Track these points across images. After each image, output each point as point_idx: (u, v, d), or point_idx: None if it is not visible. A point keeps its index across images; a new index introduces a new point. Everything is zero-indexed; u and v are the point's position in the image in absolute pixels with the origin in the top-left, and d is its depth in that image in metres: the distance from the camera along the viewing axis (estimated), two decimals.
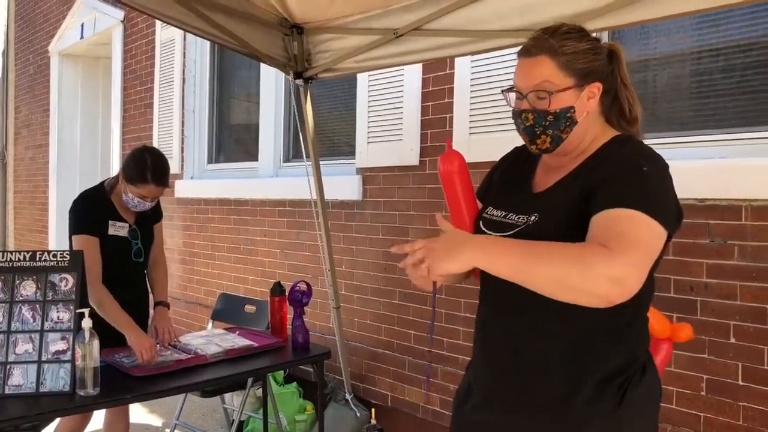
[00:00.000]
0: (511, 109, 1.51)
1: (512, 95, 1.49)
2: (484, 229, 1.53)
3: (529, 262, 1.27)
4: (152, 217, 2.89)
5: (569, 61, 1.41)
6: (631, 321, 1.41)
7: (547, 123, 1.43)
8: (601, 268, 1.22)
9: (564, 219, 1.38)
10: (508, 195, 1.57)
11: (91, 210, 2.69)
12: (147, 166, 2.61)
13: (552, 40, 1.42)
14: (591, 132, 1.47)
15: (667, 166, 1.40)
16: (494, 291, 1.51)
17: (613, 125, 1.51)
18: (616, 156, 1.40)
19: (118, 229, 2.72)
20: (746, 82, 2.63)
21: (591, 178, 1.38)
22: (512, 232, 1.43)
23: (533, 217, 1.43)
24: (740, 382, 2.44)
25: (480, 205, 1.62)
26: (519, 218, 1.46)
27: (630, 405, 1.38)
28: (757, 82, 2.60)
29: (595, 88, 1.44)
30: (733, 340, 2.46)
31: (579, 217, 1.35)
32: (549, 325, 1.40)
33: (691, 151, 2.66)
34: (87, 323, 2.10)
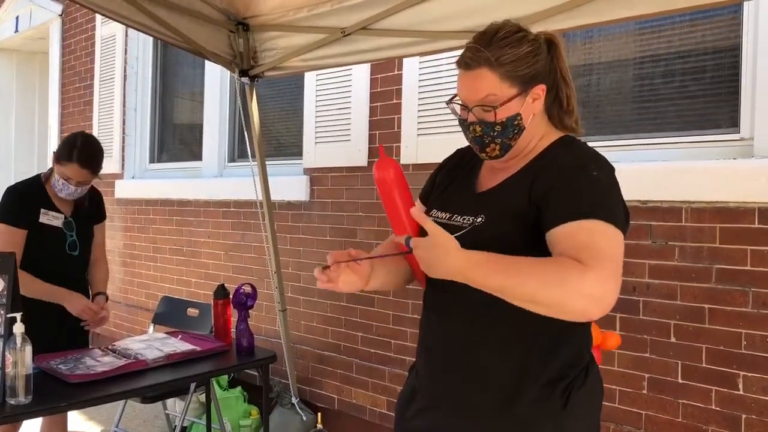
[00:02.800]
0: (460, 119, 1.48)
1: (457, 105, 1.47)
2: None
3: (513, 282, 1.25)
4: (92, 214, 2.86)
5: (510, 71, 1.38)
6: (576, 324, 1.40)
7: (495, 133, 1.42)
8: (580, 287, 1.21)
9: (510, 222, 1.37)
10: (452, 196, 1.55)
11: (18, 200, 2.65)
12: (75, 145, 2.63)
13: (489, 52, 1.38)
14: (538, 132, 1.47)
15: (613, 169, 1.40)
16: (438, 295, 1.50)
17: (553, 119, 1.50)
18: (564, 161, 1.39)
19: (51, 218, 2.68)
20: (685, 88, 2.70)
21: (539, 184, 1.37)
22: (458, 234, 1.39)
23: (479, 219, 1.42)
24: (680, 380, 2.50)
25: (423, 208, 1.60)
26: (464, 220, 1.44)
27: (574, 407, 1.38)
28: (696, 88, 2.67)
29: (540, 90, 1.43)
30: (673, 339, 2.51)
31: (526, 223, 1.35)
32: (492, 330, 1.40)
33: (633, 154, 2.72)
34: (19, 328, 2.00)
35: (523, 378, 1.38)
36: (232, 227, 4.35)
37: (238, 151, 4.68)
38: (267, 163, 3.50)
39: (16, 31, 6.63)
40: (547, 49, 1.45)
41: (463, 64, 1.42)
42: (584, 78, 3.01)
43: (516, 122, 1.41)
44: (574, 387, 1.39)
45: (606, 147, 2.80)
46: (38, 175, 2.78)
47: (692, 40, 2.68)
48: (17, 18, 6.59)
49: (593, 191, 1.31)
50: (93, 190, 2.91)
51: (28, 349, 2.01)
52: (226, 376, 3.92)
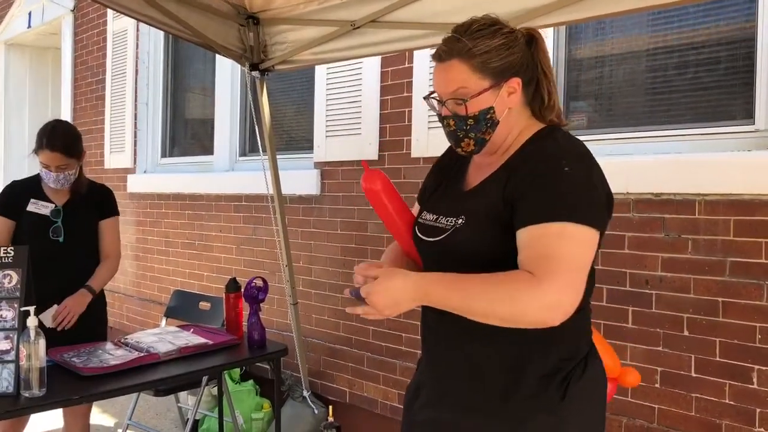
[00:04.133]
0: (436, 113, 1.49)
1: (434, 101, 1.47)
2: (419, 234, 1.52)
3: (465, 302, 1.29)
4: (90, 206, 2.82)
5: (483, 62, 1.37)
6: (571, 316, 1.40)
7: (468, 127, 1.42)
8: (532, 300, 1.24)
9: (488, 222, 1.38)
10: (441, 197, 1.56)
11: (8, 191, 2.78)
12: (44, 132, 2.67)
13: (462, 43, 1.38)
14: (517, 127, 1.45)
15: (590, 158, 1.38)
16: (433, 262, 1.49)
17: (535, 113, 1.49)
18: (537, 156, 1.37)
19: (39, 207, 2.72)
20: (699, 79, 2.67)
21: (512, 183, 1.36)
22: (441, 237, 1.43)
23: (460, 220, 1.42)
24: (693, 374, 2.49)
25: (418, 210, 1.61)
26: (448, 222, 1.45)
27: (573, 398, 1.38)
28: (710, 79, 2.64)
29: (515, 84, 1.41)
30: (686, 333, 2.50)
31: (503, 223, 1.35)
32: (484, 326, 1.37)
33: (646, 146, 2.70)
34: (32, 321, 2.02)
35: (518, 372, 1.39)
36: (244, 221, 4.36)
37: (249, 146, 4.69)
38: (278, 157, 3.50)
39: (29, 26, 6.67)
40: (528, 44, 1.44)
41: (437, 56, 1.43)
42: (596, 70, 2.98)
43: (489, 116, 1.40)
44: (572, 378, 1.40)
45: (619, 139, 2.79)
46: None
47: (706, 30, 2.65)
48: (30, 14, 6.63)
49: (564, 189, 1.31)
50: (102, 187, 2.92)
51: (42, 342, 2.03)
52: (238, 370, 3.94)
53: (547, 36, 3.01)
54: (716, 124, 2.58)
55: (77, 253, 2.77)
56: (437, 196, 1.57)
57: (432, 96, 1.47)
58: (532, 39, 1.45)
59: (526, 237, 1.29)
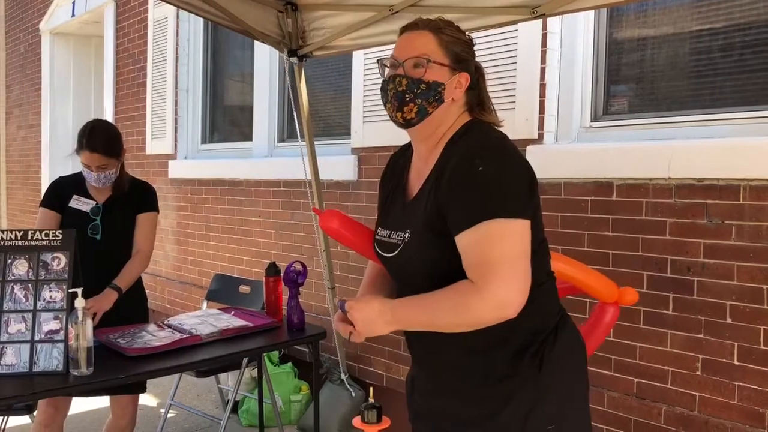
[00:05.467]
0: (385, 78, 1.53)
1: (387, 69, 1.53)
2: (379, 251, 1.59)
3: (430, 320, 1.40)
4: (130, 203, 2.82)
5: (449, 42, 1.48)
6: (531, 296, 1.42)
7: (419, 91, 1.47)
8: (482, 306, 1.32)
9: (430, 236, 1.43)
10: (390, 210, 1.62)
11: (54, 187, 2.84)
12: (84, 132, 2.69)
13: (437, 22, 1.50)
14: (448, 120, 1.51)
15: (504, 150, 1.42)
16: (401, 293, 1.58)
17: (473, 113, 1.56)
18: (455, 158, 1.43)
19: (81, 204, 2.76)
20: (745, 61, 2.60)
21: (440, 192, 1.42)
22: (395, 253, 1.51)
23: (407, 235, 1.49)
24: (736, 362, 2.44)
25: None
26: (398, 236, 1.52)
27: (552, 367, 1.46)
28: (756, 62, 2.57)
29: (464, 79, 1.49)
30: (729, 320, 2.45)
31: (443, 232, 1.40)
32: None
33: (689, 131, 2.64)
34: (80, 303, 2.08)
35: (487, 356, 1.47)
36: (282, 206, 4.41)
37: (287, 132, 4.72)
38: (315, 143, 3.52)
39: (73, 15, 6.80)
40: (476, 70, 1.54)
41: (411, 25, 1.52)
42: (638, 53, 2.93)
43: (440, 89, 1.47)
44: (546, 349, 1.47)
45: (660, 124, 2.74)
46: None
47: (754, 11, 2.58)
48: (74, 3, 6.76)
49: (480, 190, 1.36)
50: (144, 183, 2.93)
51: (89, 322, 2.09)
52: (277, 352, 4.00)
53: (588, 19, 2.96)
54: (763, 107, 2.51)
55: (114, 250, 2.78)
56: (387, 210, 1.64)
57: (385, 59, 1.54)
58: (478, 69, 1.55)
59: (461, 244, 1.37)
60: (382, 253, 1.57)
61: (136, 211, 2.84)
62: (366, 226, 1.70)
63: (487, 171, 1.36)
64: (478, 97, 1.55)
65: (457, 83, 1.48)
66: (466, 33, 1.56)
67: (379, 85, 1.56)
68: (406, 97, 1.47)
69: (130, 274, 2.76)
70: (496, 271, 1.31)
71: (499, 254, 1.32)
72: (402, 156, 1.66)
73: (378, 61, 1.58)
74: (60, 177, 2.91)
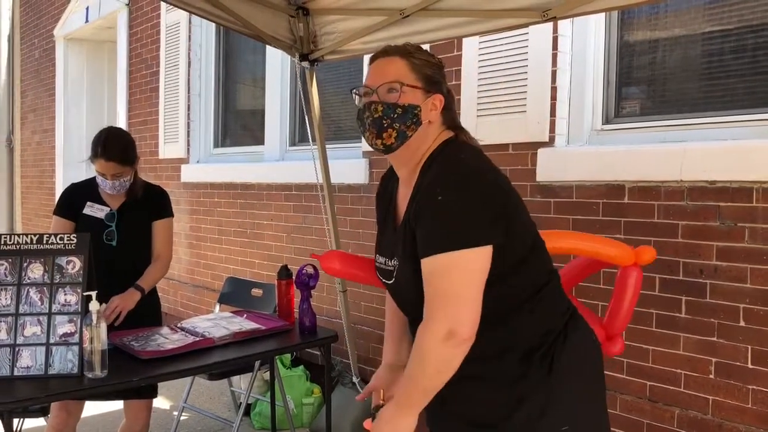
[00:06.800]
0: (359, 107, 1.55)
1: (361, 98, 1.55)
2: (380, 278, 1.61)
3: (421, 389, 1.41)
4: (144, 209, 2.82)
5: (420, 66, 1.50)
6: (531, 308, 1.47)
7: (396, 116, 1.47)
8: (431, 345, 1.35)
9: (416, 263, 1.43)
10: (383, 236, 1.64)
11: (67, 193, 2.83)
12: (98, 141, 2.68)
13: (405, 47, 1.53)
14: (426, 143, 1.52)
15: (467, 177, 1.40)
16: (399, 304, 1.61)
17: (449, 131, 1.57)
18: (424, 186, 1.44)
19: (95, 210, 2.76)
20: (757, 63, 2.59)
21: (413, 222, 1.43)
22: (392, 281, 1.53)
23: (397, 262, 1.51)
24: (750, 366, 2.43)
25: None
26: (392, 263, 1.54)
27: (560, 370, 1.45)
28: None
29: (438, 101, 1.51)
30: (742, 324, 2.44)
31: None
32: None
33: (701, 133, 2.63)
34: (94, 306, 2.10)
35: (500, 361, 1.47)
36: (294, 210, 4.42)
37: (298, 135, 4.74)
38: (327, 146, 3.53)
39: (87, 21, 6.86)
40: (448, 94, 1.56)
41: (381, 52, 1.55)
42: (649, 55, 2.92)
43: (416, 111, 1.48)
44: (555, 351, 1.46)
45: (672, 126, 2.73)
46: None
47: (766, 12, 2.56)
48: (87, 9, 6.82)
49: (439, 221, 1.38)
50: (157, 188, 2.93)
51: (103, 326, 2.11)
52: (288, 355, 4.01)
53: (599, 21, 2.96)
54: None
55: (130, 256, 2.78)
56: (380, 235, 1.66)
57: (358, 88, 1.56)
58: (450, 93, 1.57)
59: (423, 273, 1.39)
60: (383, 279, 1.60)
61: (151, 217, 2.84)
62: (367, 258, 1.72)
63: (446, 200, 1.37)
64: (452, 120, 1.57)
65: (432, 105, 1.50)
66: (435, 56, 1.58)
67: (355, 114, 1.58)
68: (383, 122, 1.48)
69: (152, 276, 2.80)
70: (440, 305, 1.34)
71: (448, 289, 1.34)
72: (390, 178, 1.67)
73: (351, 90, 1.60)
74: (73, 183, 2.91)
